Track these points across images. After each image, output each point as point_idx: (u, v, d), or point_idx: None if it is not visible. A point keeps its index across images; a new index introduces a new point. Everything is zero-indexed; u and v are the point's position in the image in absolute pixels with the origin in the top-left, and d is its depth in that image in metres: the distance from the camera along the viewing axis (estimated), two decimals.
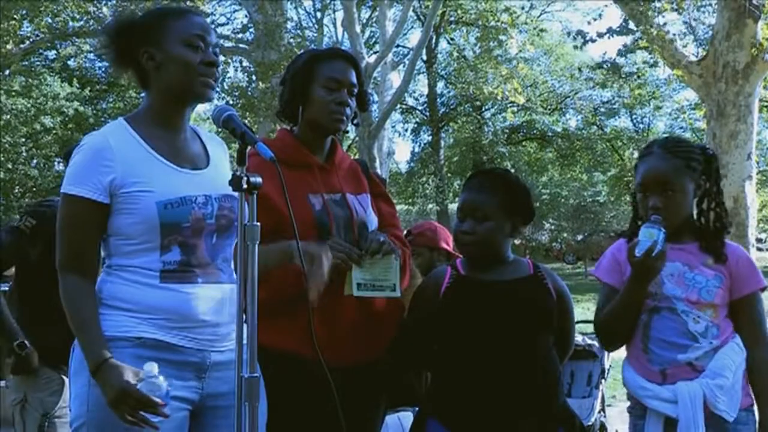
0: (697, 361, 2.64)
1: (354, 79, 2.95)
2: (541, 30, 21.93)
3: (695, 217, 2.82)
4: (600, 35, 15.42)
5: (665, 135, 35.67)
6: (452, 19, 26.72)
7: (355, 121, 3.06)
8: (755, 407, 2.72)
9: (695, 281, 2.68)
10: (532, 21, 22.10)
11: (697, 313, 2.66)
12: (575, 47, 17.88)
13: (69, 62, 24.09)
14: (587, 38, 15.93)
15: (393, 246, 2.82)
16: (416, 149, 35.93)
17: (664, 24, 13.81)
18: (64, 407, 3.48)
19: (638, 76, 19.67)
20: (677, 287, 2.68)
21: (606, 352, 5.75)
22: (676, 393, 2.61)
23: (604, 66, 16.77)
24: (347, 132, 3.12)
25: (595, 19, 18.05)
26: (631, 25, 14.59)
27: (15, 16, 16.50)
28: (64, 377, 3.47)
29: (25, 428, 3.54)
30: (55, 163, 23.36)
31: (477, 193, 2.78)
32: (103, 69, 24.52)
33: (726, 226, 2.77)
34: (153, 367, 2.22)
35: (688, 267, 2.70)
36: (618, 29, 15.10)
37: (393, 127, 31.90)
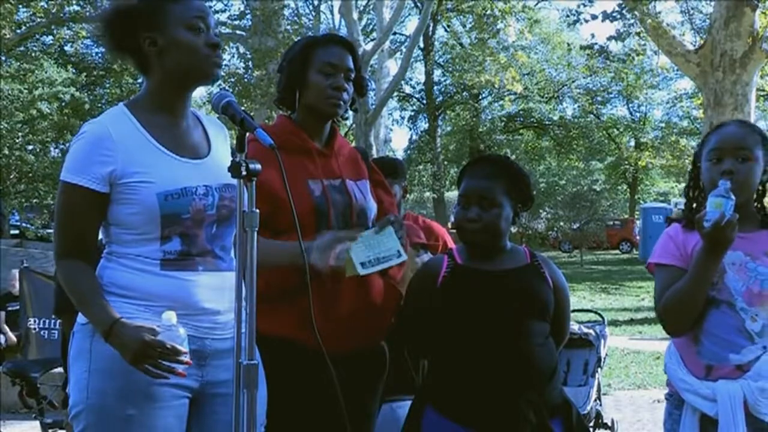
0: (747, 363, 2.56)
1: (351, 65, 2.95)
2: (535, 21, 21.89)
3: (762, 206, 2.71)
4: (594, 17, 15.40)
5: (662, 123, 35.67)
6: (449, 6, 26.66)
7: (353, 107, 3.06)
8: None
9: (758, 272, 2.58)
10: (528, 10, 22.08)
11: (756, 310, 2.57)
12: (570, 24, 17.83)
13: (66, 47, 24.02)
14: (580, 18, 15.91)
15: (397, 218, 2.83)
16: (413, 137, 35.97)
17: (659, 13, 13.80)
18: None
19: (625, 62, 19.64)
20: (738, 278, 2.59)
21: (602, 341, 5.78)
22: (715, 391, 2.54)
23: (594, 47, 16.74)
24: (346, 118, 3.12)
25: (585, 5, 18.02)
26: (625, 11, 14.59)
27: (11, 1, 16.43)
28: None
29: None
30: (51, 148, 23.32)
31: (481, 179, 2.76)
32: (100, 54, 24.44)
33: None
34: (171, 316, 2.20)
35: (750, 257, 2.61)
36: (612, 14, 15.08)
37: (390, 114, 31.88)
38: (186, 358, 2.21)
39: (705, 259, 2.51)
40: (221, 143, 2.61)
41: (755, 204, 2.73)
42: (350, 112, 3.08)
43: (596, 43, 16.80)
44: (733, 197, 2.44)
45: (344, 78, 2.92)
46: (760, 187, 2.71)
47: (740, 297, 2.57)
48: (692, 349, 2.63)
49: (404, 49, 19.35)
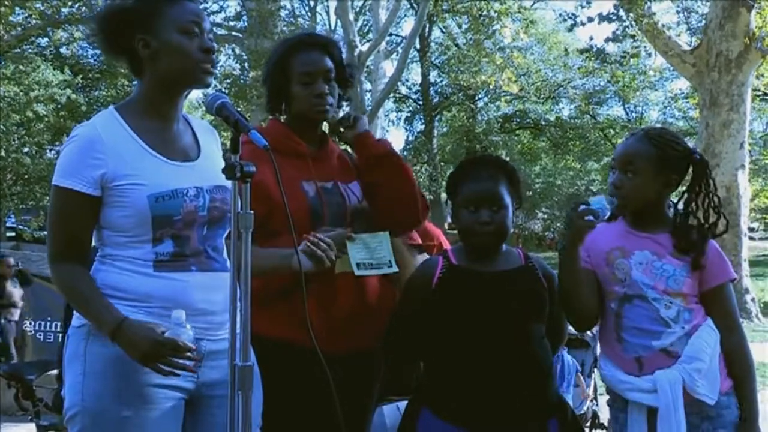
0: (671, 347, 2.64)
1: (329, 65, 2.95)
2: (531, 22, 21.89)
3: (676, 214, 2.79)
4: (590, 19, 15.44)
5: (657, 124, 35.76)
6: (445, 7, 26.65)
7: (346, 99, 3.10)
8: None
9: (663, 270, 2.68)
10: (524, 11, 22.09)
11: (669, 299, 2.67)
12: (568, 29, 17.86)
13: (61, 49, 23.99)
14: (577, 21, 15.95)
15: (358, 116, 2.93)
16: (409, 138, 35.91)
17: (653, 14, 13.83)
18: None
19: (621, 64, 19.72)
20: (645, 276, 2.69)
21: (599, 342, 5.77)
22: (655, 382, 2.61)
23: (592, 50, 16.80)
24: (341, 107, 3.14)
25: (583, 7, 18.08)
26: (621, 12, 14.62)
27: (6, 2, 16.41)
28: None
29: None
30: (48, 151, 23.30)
31: (487, 182, 2.74)
32: (96, 56, 24.42)
33: (711, 232, 2.75)
34: (181, 314, 2.22)
35: (657, 256, 2.70)
36: (608, 16, 15.11)
37: (386, 115, 31.86)
38: (194, 355, 2.24)
39: (566, 244, 2.70)
40: (211, 146, 2.60)
41: (674, 216, 2.81)
42: (346, 107, 3.11)
43: (594, 45, 16.85)
44: (608, 205, 2.64)
45: (325, 80, 2.93)
46: (690, 203, 2.80)
47: (650, 289, 2.68)
48: (618, 348, 2.73)
49: (400, 50, 19.38)
